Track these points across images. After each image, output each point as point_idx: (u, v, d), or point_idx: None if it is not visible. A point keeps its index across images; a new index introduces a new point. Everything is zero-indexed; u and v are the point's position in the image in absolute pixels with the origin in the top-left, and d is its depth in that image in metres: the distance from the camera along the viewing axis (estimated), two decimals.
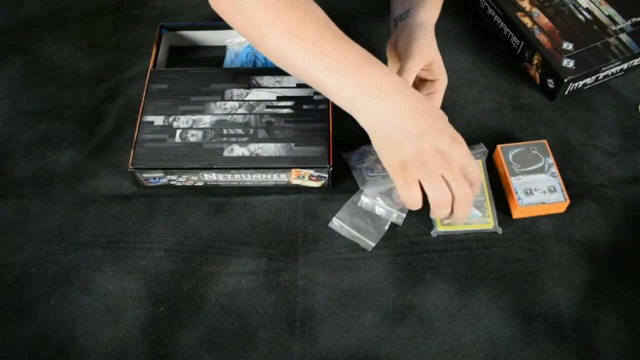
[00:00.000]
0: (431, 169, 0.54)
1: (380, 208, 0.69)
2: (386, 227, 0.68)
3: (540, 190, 0.68)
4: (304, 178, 0.70)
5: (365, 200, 0.70)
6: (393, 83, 0.56)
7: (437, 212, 0.57)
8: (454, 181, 0.55)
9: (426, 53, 0.66)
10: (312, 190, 0.72)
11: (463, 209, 0.56)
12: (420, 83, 0.70)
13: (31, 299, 0.65)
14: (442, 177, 0.55)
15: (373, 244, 0.67)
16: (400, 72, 0.65)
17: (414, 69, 0.65)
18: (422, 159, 0.54)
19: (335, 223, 0.69)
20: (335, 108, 0.71)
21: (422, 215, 0.70)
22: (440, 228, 0.68)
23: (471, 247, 0.68)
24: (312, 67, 0.57)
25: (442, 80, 0.68)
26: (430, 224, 0.69)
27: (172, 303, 0.65)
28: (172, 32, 0.82)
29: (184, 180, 0.70)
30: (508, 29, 0.83)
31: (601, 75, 0.78)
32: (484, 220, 0.68)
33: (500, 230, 0.68)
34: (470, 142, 0.75)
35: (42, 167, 0.75)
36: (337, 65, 0.56)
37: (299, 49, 0.57)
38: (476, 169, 0.57)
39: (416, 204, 0.56)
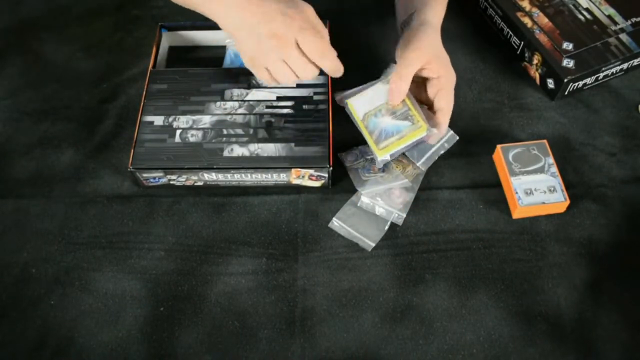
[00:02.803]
0: (269, 56, 0.59)
1: (380, 208, 0.69)
2: (386, 227, 0.68)
3: (540, 190, 0.68)
4: (304, 178, 0.70)
5: (365, 200, 0.70)
6: None
7: (289, 84, 0.62)
8: (290, 62, 0.59)
9: (423, 51, 0.65)
10: (312, 190, 0.72)
11: (308, 77, 0.61)
12: (426, 82, 0.69)
13: (31, 299, 0.65)
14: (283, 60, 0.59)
15: (373, 244, 0.67)
16: (396, 73, 0.65)
17: (408, 68, 0.65)
18: (261, 48, 0.59)
19: (335, 223, 0.69)
20: (335, 108, 0.71)
21: (422, 215, 0.70)
22: (380, 156, 0.67)
23: (471, 247, 0.68)
24: None
25: (444, 78, 0.67)
26: (430, 224, 0.69)
27: (172, 303, 0.65)
28: (172, 32, 0.82)
29: (184, 180, 0.70)
30: (508, 29, 0.83)
31: (601, 75, 0.78)
32: (416, 127, 0.67)
33: (433, 130, 0.67)
34: (471, 141, 0.75)
35: (42, 167, 0.75)
36: None
37: None
38: (310, 39, 0.58)
39: (270, 84, 0.63)
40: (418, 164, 0.72)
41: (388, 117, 0.68)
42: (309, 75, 0.61)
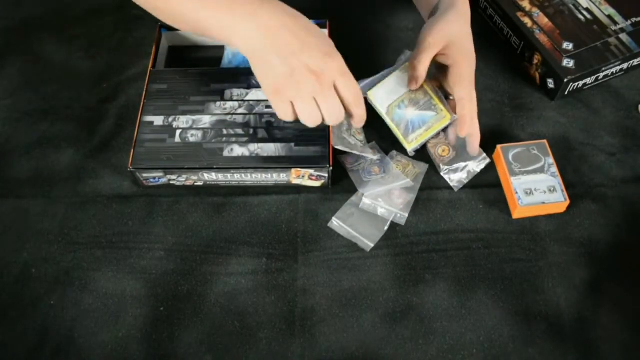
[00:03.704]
0: (302, 90, 0.55)
1: (382, 209, 0.69)
2: (385, 228, 0.68)
3: (540, 190, 0.68)
4: (304, 178, 0.70)
5: (366, 201, 0.70)
6: (262, 5, 0.56)
7: (308, 125, 0.59)
8: (324, 101, 0.56)
9: (438, 36, 0.64)
10: (312, 190, 0.72)
11: (334, 122, 0.59)
12: (446, 69, 0.68)
13: (31, 299, 0.65)
14: (314, 98, 0.56)
15: (372, 245, 0.67)
16: (412, 59, 0.65)
17: (422, 54, 0.64)
18: (294, 80, 0.55)
19: (335, 223, 0.69)
20: None
21: (422, 215, 0.70)
22: (409, 147, 0.70)
23: (471, 247, 0.68)
24: (188, 10, 0.58)
25: (460, 64, 0.65)
26: (430, 224, 0.69)
27: (172, 303, 0.65)
28: (172, 32, 0.82)
29: (184, 180, 0.70)
30: (508, 29, 0.83)
31: (601, 75, 0.78)
32: (440, 117, 0.68)
33: (455, 118, 0.68)
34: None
35: (42, 167, 0.75)
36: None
37: None
38: (351, 84, 0.57)
39: (289, 119, 0.59)
40: (452, 185, 0.72)
41: (412, 108, 0.69)
42: (337, 119, 0.58)
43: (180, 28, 0.61)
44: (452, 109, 0.69)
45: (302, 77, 0.55)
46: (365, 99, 0.69)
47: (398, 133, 0.70)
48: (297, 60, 0.54)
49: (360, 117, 0.60)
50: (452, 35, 0.65)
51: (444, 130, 0.72)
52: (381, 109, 0.70)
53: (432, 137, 0.71)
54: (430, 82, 0.70)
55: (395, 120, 0.69)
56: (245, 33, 0.56)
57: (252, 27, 0.55)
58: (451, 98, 0.70)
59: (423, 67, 0.65)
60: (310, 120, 0.58)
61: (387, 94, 0.70)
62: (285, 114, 0.58)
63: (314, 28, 0.57)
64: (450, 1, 0.67)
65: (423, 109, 0.69)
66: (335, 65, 0.55)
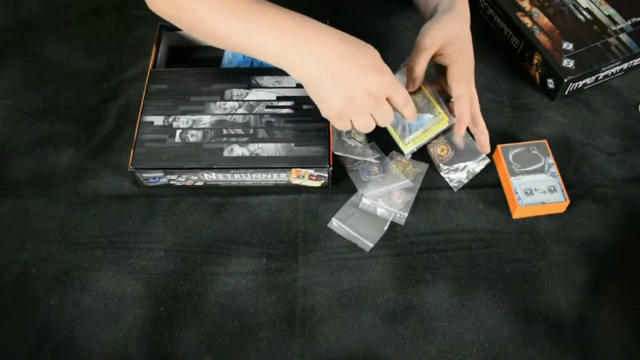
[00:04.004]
0: (361, 111, 0.60)
1: (381, 209, 0.69)
2: (385, 228, 0.68)
3: (540, 190, 0.68)
4: (304, 178, 0.70)
5: (366, 202, 0.70)
6: (311, 30, 0.58)
7: (362, 130, 0.63)
8: (379, 113, 0.60)
9: (435, 37, 0.65)
10: (312, 190, 0.72)
11: (385, 124, 0.63)
12: (445, 69, 0.67)
13: (31, 299, 0.65)
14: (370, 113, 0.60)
15: (371, 245, 0.67)
16: (410, 61, 0.66)
17: (419, 55, 0.65)
18: (355, 105, 0.58)
19: (334, 223, 0.69)
20: None
21: (422, 215, 0.70)
22: (406, 149, 0.70)
23: (471, 247, 0.68)
24: (235, 33, 0.60)
25: (458, 64, 0.65)
26: (430, 224, 0.69)
27: (172, 303, 0.65)
28: (172, 32, 0.82)
29: (184, 180, 0.70)
30: (508, 29, 0.83)
31: (601, 75, 0.78)
32: (438, 120, 0.69)
33: (453, 121, 0.68)
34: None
35: (42, 167, 0.75)
36: (256, 25, 0.59)
37: (222, 19, 0.59)
38: (400, 93, 0.61)
39: (346, 128, 0.62)
40: (451, 185, 0.72)
41: None
42: (390, 121, 0.62)
43: (229, 49, 0.64)
44: (452, 111, 0.69)
45: (362, 100, 0.58)
46: None
47: (395, 135, 0.71)
48: (354, 86, 0.57)
49: (411, 115, 0.64)
50: (449, 36, 0.65)
51: (444, 133, 0.72)
52: None
53: (431, 140, 0.71)
54: (429, 86, 0.70)
55: (392, 122, 0.69)
56: (301, 62, 0.58)
57: (306, 55, 0.57)
58: (452, 101, 0.70)
59: (420, 68, 0.66)
60: (365, 129, 0.62)
61: None
62: (343, 128, 0.62)
63: (362, 46, 0.59)
64: (449, 3, 0.67)
65: (421, 112, 0.69)
66: (388, 81, 0.59)
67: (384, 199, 0.70)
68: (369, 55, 0.58)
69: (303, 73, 0.59)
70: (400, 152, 0.72)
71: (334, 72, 0.57)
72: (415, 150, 0.70)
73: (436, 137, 0.72)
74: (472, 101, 0.67)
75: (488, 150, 0.70)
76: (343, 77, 0.57)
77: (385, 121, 0.62)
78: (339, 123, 0.61)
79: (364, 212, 0.70)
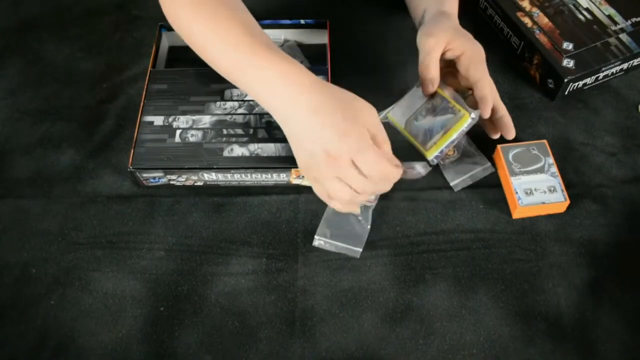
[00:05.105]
0: (323, 172, 0.56)
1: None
2: (368, 227, 0.68)
3: (540, 190, 0.68)
4: (304, 178, 0.70)
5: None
6: (299, 85, 0.57)
7: (339, 209, 0.61)
8: (348, 180, 0.56)
9: (440, 35, 0.65)
10: (312, 190, 0.72)
11: (365, 198, 0.60)
12: (457, 65, 0.67)
13: (31, 299, 0.65)
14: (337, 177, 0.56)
15: (360, 249, 0.67)
16: (421, 64, 0.65)
17: (429, 54, 0.64)
18: (314, 162, 0.56)
19: (320, 241, 0.68)
20: None
21: (422, 215, 0.70)
22: (429, 155, 0.67)
23: (471, 247, 0.68)
24: (230, 70, 0.61)
25: (470, 50, 0.65)
26: (430, 224, 0.69)
27: (172, 303, 0.65)
28: (172, 32, 0.82)
29: (184, 180, 0.70)
30: (508, 29, 0.83)
31: (601, 75, 0.78)
32: (458, 117, 0.65)
33: (475, 113, 0.65)
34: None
35: (42, 167, 0.75)
36: (247, 72, 0.59)
37: (215, 48, 0.61)
38: (368, 159, 0.55)
39: (324, 199, 0.61)
40: (452, 184, 0.72)
41: (430, 117, 0.67)
42: (368, 194, 0.58)
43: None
44: (473, 106, 0.67)
45: (320, 159, 0.55)
46: (387, 123, 0.69)
47: (416, 144, 0.68)
48: (316, 143, 0.55)
49: (383, 190, 0.60)
50: (452, 30, 0.66)
51: (468, 132, 0.67)
52: (400, 125, 0.69)
53: (456, 140, 0.66)
54: (446, 87, 0.68)
55: (412, 132, 0.67)
56: (284, 112, 0.58)
57: (287, 108, 0.57)
58: (469, 94, 0.69)
59: (434, 67, 0.65)
60: (344, 197, 0.57)
61: (405, 111, 0.69)
62: (318, 193, 0.60)
63: (341, 99, 0.56)
64: (438, 8, 0.69)
65: (441, 114, 0.66)
66: (351, 144, 0.54)
67: None
68: (343, 109, 0.55)
69: (284, 123, 0.59)
70: (425, 160, 0.68)
71: (307, 128, 0.56)
72: (440, 155, 0.66)
73: (462, 137, 0.67)
74: (491, 84, 0.66)
75: (513, 134, 0.68)
76: (308, 132, 0.55)
77: (360, 188, 0.56)
78: (310, 179, 0.60)
79: (343, 217, 0.68)
